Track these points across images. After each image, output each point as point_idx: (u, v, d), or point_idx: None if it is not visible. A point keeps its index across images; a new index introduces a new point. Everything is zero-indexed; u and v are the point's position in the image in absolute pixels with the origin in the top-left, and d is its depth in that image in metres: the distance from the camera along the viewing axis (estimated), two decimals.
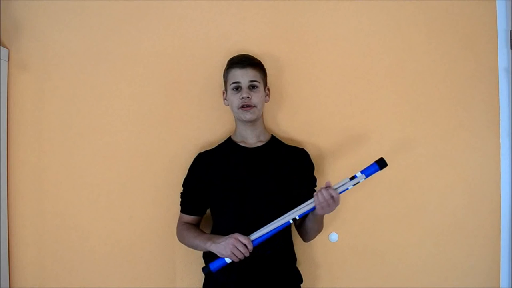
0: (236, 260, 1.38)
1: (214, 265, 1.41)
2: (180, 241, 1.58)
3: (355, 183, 1.39)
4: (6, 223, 1.67)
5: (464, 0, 1.72)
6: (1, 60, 1.65)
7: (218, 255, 1.40)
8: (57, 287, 1.69)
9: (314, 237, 1.57)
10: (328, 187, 1.36)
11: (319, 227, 1.54)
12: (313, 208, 1.38)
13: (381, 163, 1.39)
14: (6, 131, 1.68)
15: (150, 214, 1.70)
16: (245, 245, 1.37)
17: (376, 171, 1.40)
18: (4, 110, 1.67)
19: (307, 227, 1.51)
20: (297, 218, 1.40)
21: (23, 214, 1.69)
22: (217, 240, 1.41)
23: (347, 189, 1.39)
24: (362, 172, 1.40)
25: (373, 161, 1.40)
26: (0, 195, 1.64)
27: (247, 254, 1.38)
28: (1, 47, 1.66)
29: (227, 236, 1.40)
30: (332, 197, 1.34)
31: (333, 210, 1.37)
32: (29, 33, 1.71)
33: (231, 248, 1.37)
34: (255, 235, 1.40)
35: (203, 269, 1.44)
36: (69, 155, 1.70)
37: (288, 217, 1.40)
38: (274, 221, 1.41)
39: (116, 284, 1.69)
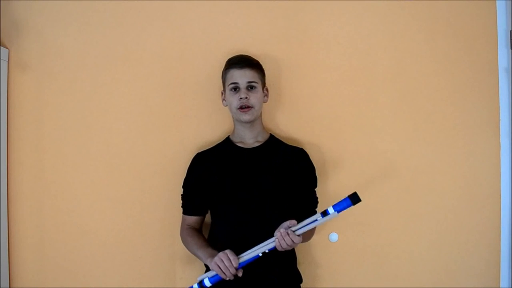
0: (224, 276, 1.35)
1: (211, 280, 1.40)
2: (184, 245, 1.58)
3: (326, 220, 1.34)
4: (6, 223, 1.67)
5: (464, 0, 1.72)
6: (1, 60, 1.65)
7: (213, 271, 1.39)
8: (57, 287, 1.69)
9: (306, 241, 1.57)
10: (290, 228, 1.34)
11: (306, 239, 1.51)
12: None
13: (354, 198, 1.33)
14: (6, 131, 1.68)
15: (150, 214, 1.70)
16: (230, 260, 1.35)
17: (349, 206, 1.33)
18: (4, 110, 1.67)
19: None
20: (267, 251, 1.37)
21: (23, 214, 1.69)
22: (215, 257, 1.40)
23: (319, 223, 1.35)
24: (333, 207, 1.34)
25: (346, 196, 1.35)
26: (0, 195, 1.64)
27: (232, 270, 1.34)
28: (1, 47, 1.66)
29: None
30: (292, 241, 1.34)
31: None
32: (29, 33, 1.71)
33: (216, 261, 1.36)
34: (244, 257, 1.38)
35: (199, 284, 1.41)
36: (69, 155, 1.70)
37: (266, 246, 1.37)
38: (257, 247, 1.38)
39: (116, 284, 1.69)
